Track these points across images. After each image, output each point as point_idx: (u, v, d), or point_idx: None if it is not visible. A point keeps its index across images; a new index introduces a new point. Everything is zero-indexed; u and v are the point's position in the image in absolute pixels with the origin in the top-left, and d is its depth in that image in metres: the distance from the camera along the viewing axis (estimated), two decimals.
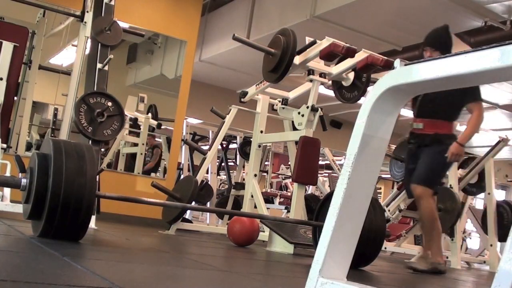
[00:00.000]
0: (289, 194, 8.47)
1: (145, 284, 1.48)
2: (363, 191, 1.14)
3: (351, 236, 1.14)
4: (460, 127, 11.01)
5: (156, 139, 7.34)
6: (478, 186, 5.85)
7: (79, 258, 1.90)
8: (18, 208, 2.98)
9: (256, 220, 4.05)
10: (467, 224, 7.02)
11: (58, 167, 2.18)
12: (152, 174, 6.95)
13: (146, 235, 3.90)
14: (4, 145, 3.75)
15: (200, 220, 8.05)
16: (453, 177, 5.30)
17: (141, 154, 6.56)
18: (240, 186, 6.14)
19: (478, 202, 10.82)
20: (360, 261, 2.91)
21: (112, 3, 4.12)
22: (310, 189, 8.20)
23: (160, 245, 3.11)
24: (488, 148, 5.67)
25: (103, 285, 1.27)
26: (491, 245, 5.40)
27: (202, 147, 6.29)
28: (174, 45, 6.86)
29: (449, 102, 3.55)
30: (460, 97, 3.52)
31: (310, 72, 4.07)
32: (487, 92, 8.87)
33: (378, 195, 12.29)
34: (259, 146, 4.62)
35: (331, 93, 4.77)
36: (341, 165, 6.27)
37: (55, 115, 6.43)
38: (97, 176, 3.20)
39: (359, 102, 4.40)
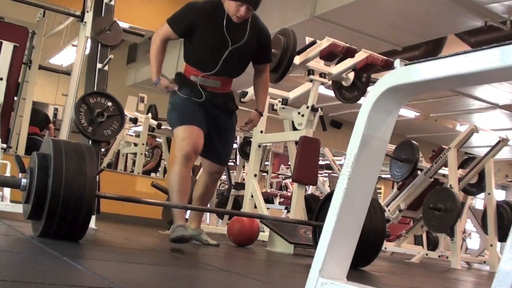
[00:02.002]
0: (289, 194, 8.46)
1: (145, 284, 1.48)
2: (363, 191, 1.14)
3: (351, 236, 1.13)
4: (460, 127, 11.00)
5: (157, 139, 7.35)
6: (478, 186, 5.85)
7: (79, 258, 1.90)
8: (18, 208, 2.98)
9: (256, 220, 4.05)
10: (467, 224, 7.03)
11: (58, 167, 2.18)
12: (152, 174, 6.96)
13: (146, 235, 3.90)
14: (4, 145, 3.75)
15: None
16: (453, 177, 5.30)
17: (141, 154, 6.57)
18: (240, 186, 6.14)
19: (478, 202, 10.83)
20: (360, 261, 2.91)
21: (112, 3, 4.12)
22: (310, 189, 8.20)
23: (160, 245, 3.11)
24: (488, 148, 5.67)
25: (103, 285, 1.27)
26: (491, 245, 5.40)
27: None
28: (174, 45, 6.86)
29: (248, 62, 3.09)
30: (262, 57, 3.12)
31: (310, 72, 4.07)
32: (487, 92, 8.88)
33: (378, 195, 12.29)
34: (259, 146, 4.62)
35: (331, 93, 4.77)
36: (341, 165, 6.27)
37: (55, 115, 6.44)
38: (97, 176, 3.20)
39: (359, 102, 4.40)
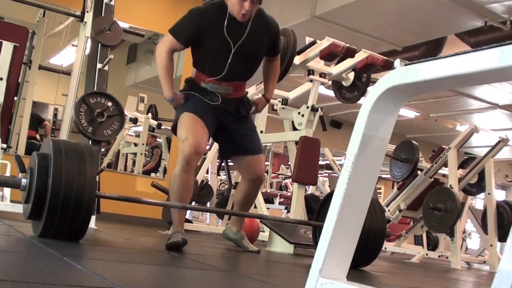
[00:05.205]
0: (289, 194, 8.46)
1: (145, 284, 1.48)
2: (363, 191, 1.14)
3: (351, 236, 1.13)
4: (460, 127, 11.00)
5: (157, 139, 7.35)
6: (478, 186, 5.86)
7: (79, 258, 1.90)
8: (18, 208, 2.98)
9: (256, 220, 4.05)
10: (467, 224, 7.03)
11: (58, 167, 2.19)
12: (152, 174, 6.95)
13: (146, 235, 3.90)
14: (4, 145, 3.75)
15: (200, 220, 8.05)
16: (453, 177, 5.30)
17: (141, 154, 6.57)
18: None
19: (478, 202, 10.83)
20: (360, 261, 2.91)
21: (112, 3, 4.12)
22: (310, 189, 8.20)
23: (160, 245, 3.11)
24: (488, 148, 5.67)
25: (103, 285, 1.27)
26: (491, 245, 5.40)
27: None
28: None
29: (257, 62, 2.95)
30: (271, 50, 2.97)
31: (310, 72, 4.07)
32: (487, 92, 8.88)
33: (378, 195, 12.29)
34: None
35: (331, 93, 4.77)
36: (341, 165, 6.27)
37: (55, 115, 6.43)
38: (97, 176, 3.19)
39: (359, 102, 4.40)
